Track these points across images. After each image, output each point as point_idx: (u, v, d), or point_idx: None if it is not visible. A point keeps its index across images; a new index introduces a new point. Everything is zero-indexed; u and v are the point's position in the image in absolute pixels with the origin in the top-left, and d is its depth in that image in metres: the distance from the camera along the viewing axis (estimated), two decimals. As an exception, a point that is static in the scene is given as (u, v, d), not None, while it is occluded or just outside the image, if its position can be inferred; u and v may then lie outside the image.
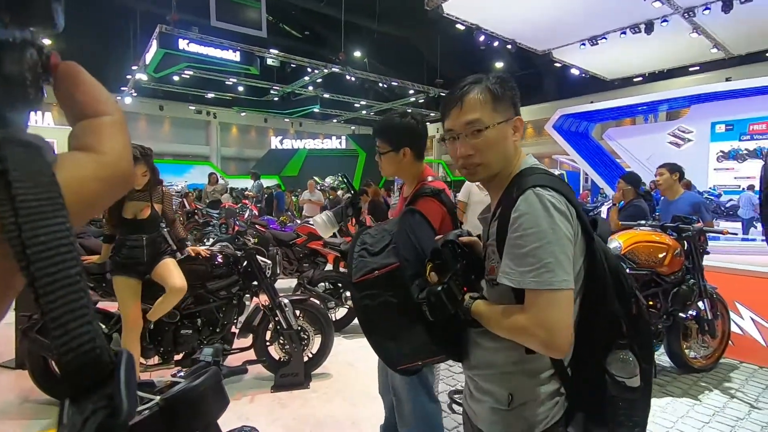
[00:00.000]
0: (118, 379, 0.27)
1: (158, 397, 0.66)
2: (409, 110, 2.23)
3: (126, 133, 0.37)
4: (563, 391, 1.02)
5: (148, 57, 12.82)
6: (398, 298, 1.01)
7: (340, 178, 11.49)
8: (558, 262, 0.90)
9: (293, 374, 3.09)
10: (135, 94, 19.05)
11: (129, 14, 16.11)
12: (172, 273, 2.78)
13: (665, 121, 14.76)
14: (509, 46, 11.37)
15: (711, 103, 12.03)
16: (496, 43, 11.23)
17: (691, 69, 13.83)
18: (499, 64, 17.21)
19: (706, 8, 9.07)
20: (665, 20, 9.68)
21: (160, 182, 2.88)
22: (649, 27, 9.93)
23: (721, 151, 12.23)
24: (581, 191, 15.35)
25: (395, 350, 1.08)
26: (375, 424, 2.65)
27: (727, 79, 12.82)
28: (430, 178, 1.80)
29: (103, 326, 2.83)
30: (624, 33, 10.35)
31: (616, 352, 1.00)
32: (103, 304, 2.96)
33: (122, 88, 18.29)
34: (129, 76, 17.14)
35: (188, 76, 17.48)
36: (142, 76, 15.69)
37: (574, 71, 13.70)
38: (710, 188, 11.91)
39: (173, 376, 0.83)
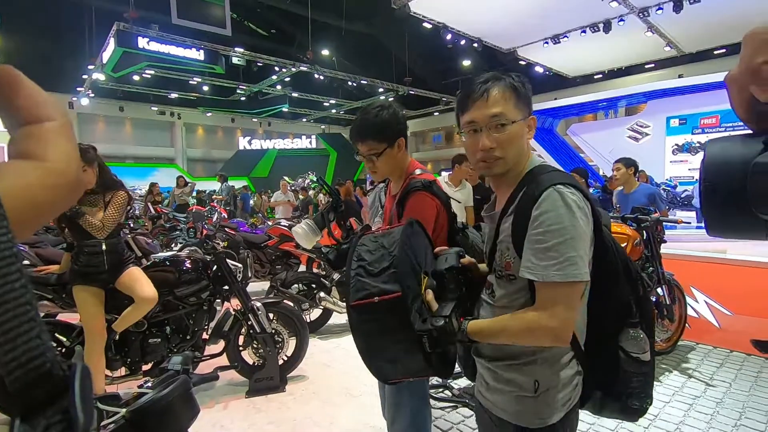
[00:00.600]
0: (72, 393, 0.25)
1: (124, 410, 0.64)
2: (381, 99, 2.13)
3: (72, 138, 0.35)
4: (581, 371, 1.09)
5: (106, 56, 12.24)
6: (398, 325, 0.99)
7: (311, 177, 11.33)
8: (579, 256, 0.95)
9: (268, 378, 3.05)
10: (92, 95, 18.15)
11: (83, 10, 15.30)
12: (140, 282, 2.66)
13: (624, 117, 15.36)
14: (475, 45, 11.55)
15: (666, 98, 12.61)
16: (462, 42, 11.39)
17: (646, 66, 14.50)
18: (466, 62, 17.45)
19: (659, 8, 9.55)
20: (622, 20, 10.14)
21: (120, 185, 2.64)
22: (607, 26, 10.36)
23: (676, 145, 12.85)
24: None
25: (390, 370, 1.07)
26: (353, 423, 2.65)
27: (680, 76, 13.45)
28: (417, 171, 1.68)
29: (65, 339, 2.70)
30: (584, 32, 10.74)
31: (628, 330, 1.07)
32: (64, 316, 2.82)
33: (78, 89, 17.41)
34: (85, 76, 16.30)
35: (149, 76, 16.82)
36: (100, 76, 14.97)
37: (538, 69, 14.07)
38: (666, 180, 12.50)
39: (140, 387, 0.80)
